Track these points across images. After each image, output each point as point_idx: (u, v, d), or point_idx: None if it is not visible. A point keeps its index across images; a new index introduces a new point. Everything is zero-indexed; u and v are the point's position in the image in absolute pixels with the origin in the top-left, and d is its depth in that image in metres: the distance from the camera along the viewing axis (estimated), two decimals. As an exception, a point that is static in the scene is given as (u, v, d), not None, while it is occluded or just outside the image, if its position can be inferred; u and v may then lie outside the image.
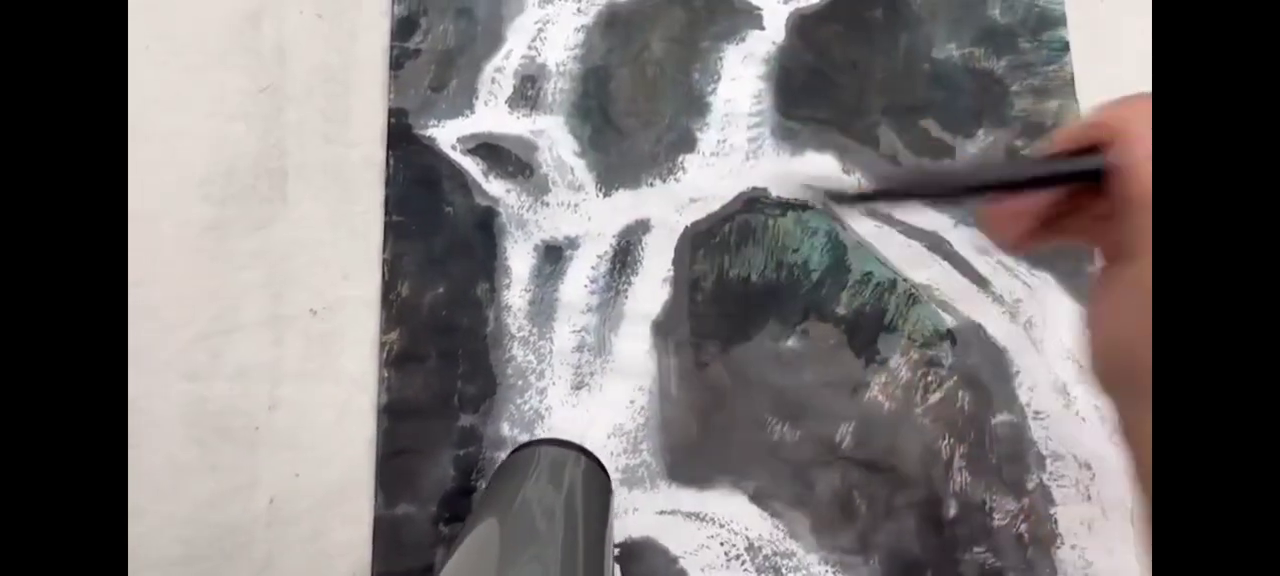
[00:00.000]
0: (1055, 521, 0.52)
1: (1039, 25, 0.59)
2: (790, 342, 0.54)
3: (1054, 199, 0.38)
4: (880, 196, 0.41)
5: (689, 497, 0.52)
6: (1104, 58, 0.58)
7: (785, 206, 0.56)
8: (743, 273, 0.55)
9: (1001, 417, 0.53)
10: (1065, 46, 0.58)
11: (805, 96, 0.58)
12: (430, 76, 0.58)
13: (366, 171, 0.56)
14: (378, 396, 0.53)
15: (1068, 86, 0.58)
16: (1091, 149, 0.36)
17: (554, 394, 0.53)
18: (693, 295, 0.55)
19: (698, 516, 0.52)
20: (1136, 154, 0.35)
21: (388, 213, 0.56)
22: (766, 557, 0.51)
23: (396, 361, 0.54)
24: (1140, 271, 0.35)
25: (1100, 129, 0.36)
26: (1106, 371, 0.37)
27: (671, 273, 0.55)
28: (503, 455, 0.52)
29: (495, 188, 0.56)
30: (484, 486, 0.50)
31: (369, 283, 0.55)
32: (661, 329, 0.54)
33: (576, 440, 0.49)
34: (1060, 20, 0.59)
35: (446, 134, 0.57)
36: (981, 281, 0.55)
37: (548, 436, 0.51)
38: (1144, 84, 0.58)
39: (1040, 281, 0.55)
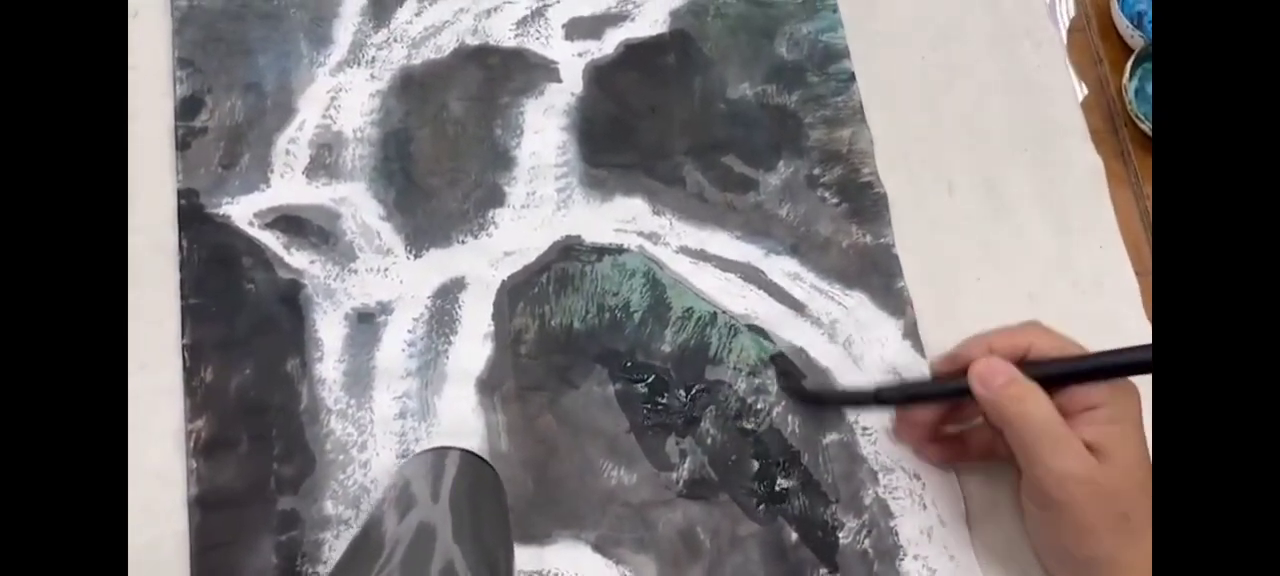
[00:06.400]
0: (896, 533, 0.52)
1: (824, 60, 0.61)
2: (618, 386, 0.53)
3: (939, 414, 0.51)
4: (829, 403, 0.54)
5: (529, 556, 0.50)
6: (887, 84, 0.61)
7: (600, 251, 0.56)
8: (565, 321, 0.54)
9: (831, 437, 0.53)
10: (851, 77, 0.61)
11: (609, 143, 0.58)
12: (220, 154, 0.56)
13: (156, 256, 0.53)
14: (187, 489, 0.49)
15: (857, 114, 0.60)
16: (963, 370, 0.47)
17: (378, 464, 0.51)
18: (516, 348, 0.53)
19: (541, 574, 0.50)
20: (978, 392, 0.46)
21: (184, 296, 0.53)
22: (615, 605, 0.50)
23: (205, 450, 0.50)
24: (1023, 480, 0.47)
25: (961, 357, 0.49)
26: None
27: (492, 328, 0.54)
28: (328, 535, 0.49)
29: (298, 259, 0.54)
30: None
31: (168, 371, 0.51)
32: (486, 386, 0.53)
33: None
34: (844, 53, 0.61)
35: (241, 210, 0.55)
36: (798, 306, 0.56)
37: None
38: (922, 112, 0.61)
39: (855, 300, 0.56)
